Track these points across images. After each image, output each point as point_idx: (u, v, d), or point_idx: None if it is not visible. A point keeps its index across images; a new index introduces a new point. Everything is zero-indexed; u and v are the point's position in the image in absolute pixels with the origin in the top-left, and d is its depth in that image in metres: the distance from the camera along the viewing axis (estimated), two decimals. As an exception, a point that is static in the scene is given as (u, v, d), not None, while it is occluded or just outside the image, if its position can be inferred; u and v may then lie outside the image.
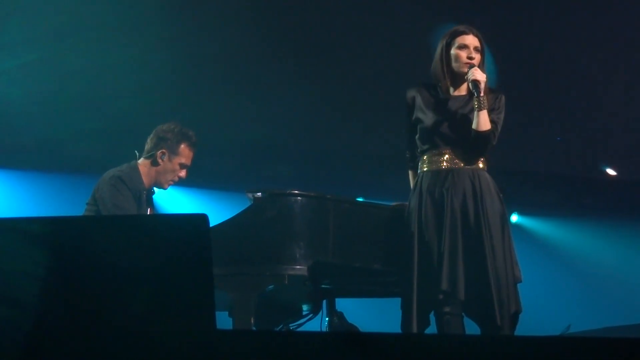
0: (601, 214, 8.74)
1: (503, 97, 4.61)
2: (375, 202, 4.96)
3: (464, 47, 4.54)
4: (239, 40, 7.14)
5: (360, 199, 4.91)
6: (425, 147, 4.55)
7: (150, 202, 5.21)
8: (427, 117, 4.54)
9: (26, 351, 2.58)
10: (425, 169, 4.55)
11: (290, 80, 7.48)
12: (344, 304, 5.17)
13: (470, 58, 4.51)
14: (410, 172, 4.73)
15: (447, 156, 4.51)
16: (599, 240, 8.83)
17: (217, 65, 7.32)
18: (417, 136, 4.59)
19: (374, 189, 8.12)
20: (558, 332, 6.59)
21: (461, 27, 4.59)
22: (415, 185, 4.58)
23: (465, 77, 4.49)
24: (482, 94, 4.43)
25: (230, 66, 7.34)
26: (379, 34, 7.21)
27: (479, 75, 4.45)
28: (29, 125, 7.47)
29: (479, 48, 4.55)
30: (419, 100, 4.59)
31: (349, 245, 4.52)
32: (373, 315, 6.97)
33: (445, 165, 4.50)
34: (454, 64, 4.55)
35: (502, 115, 4.58)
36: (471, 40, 4.55)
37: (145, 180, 5.13)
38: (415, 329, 4.30)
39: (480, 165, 4.54)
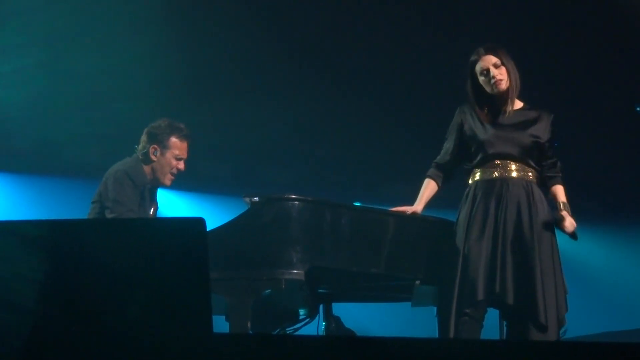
0: (598, 218, 8.74)
1: (552, 117, 4.68)
2: (373, 206, 4.95)
3: (484, 73, 4.58)
4: (237, 45, 7.15)
5: (357, 204, 4.89)
6: (479, 158, 4.61)
7: (153, 200, 5.22)
8: (480, 132, 4.60)
9: (24, 355, 2.58)
10: (477, 178, 4.61)
11: (288, 85, 7.48)
12: (341, 309, 5.17)
13: (493, 77, 4.55)
14: (425, 180, 4.77)
15: (499, 167, 4.57)
16: (595, 245, 8.82)
17: (215, 69, 7.32)
18: (471, 150, 4.64)
19: (371, 194, 8.12)
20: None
21: (473, 56, 4.63)
22: (467, 195, 4.63)
23: (565, 231, 4.54)
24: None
25: (228, 70, 7.34)
26: (377, 40, 7.21)
27: (571, 225, 4.53)
28: (25, 128, 7.47)
29: (499, 62, 4.57)
30: (471, 117, 4.65)
31: (346, 249, 4.51)
32: (370, 319, 6.97)
33: (498, 174, 4.56)
34: (488, 89, 4.59)
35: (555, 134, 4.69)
36: (486, 61, 4.58)
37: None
38: (452, 335, 4.39)
39: (532, 177, 4.61)
